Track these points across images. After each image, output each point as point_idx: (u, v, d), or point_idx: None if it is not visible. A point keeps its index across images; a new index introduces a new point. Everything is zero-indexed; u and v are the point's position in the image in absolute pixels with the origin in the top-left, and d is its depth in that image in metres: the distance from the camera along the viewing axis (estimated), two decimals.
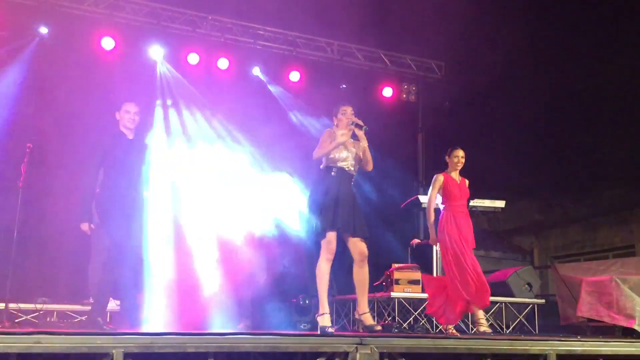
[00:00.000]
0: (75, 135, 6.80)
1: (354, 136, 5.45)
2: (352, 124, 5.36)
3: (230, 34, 8.72)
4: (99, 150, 5.28)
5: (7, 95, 7.20)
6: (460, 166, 6.04)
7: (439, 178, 6.01)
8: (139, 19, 8.06)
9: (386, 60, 9.59)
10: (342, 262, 5.46)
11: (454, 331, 5.92)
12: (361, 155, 5.40)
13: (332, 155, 5.38)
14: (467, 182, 6.12)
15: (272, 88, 9.08)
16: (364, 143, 5.36)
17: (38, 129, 6.73)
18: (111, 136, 5.37)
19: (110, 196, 5.20)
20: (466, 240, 5.86)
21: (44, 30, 7.62)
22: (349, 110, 5.50)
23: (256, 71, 8.98)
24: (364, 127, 5.35)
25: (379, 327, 5.16)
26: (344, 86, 9.42)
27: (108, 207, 5.18)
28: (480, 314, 5.80)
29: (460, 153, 6.04)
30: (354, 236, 5.24)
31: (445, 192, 6.00)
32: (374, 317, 5.41)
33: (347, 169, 5.38)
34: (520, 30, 7.86)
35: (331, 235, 5.21)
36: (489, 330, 5.73)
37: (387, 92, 9.72)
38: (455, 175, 6.06)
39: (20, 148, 6.13)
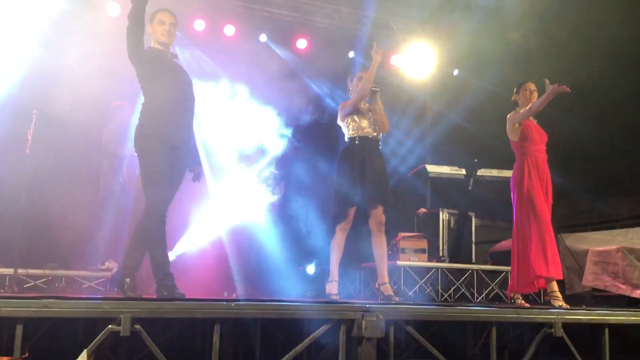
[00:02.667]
0: (83, 100, 6.77)
1: (370, 100, 5.51)
2: (373, 88, 5.42)
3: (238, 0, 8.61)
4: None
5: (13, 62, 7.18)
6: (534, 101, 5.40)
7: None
8: None
9: (394, 27, 9.47)
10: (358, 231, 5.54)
11: (523, 301, 5.39)
12: (376, 117, 5.45)
13: (353, 125, 5.44)
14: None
15: (280, 53, 8.99)
16: (380, 104, 5.42)
17: (45, 94, 6.70)
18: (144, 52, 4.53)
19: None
20: (549, 194, 5.34)
21: None
22: (364, 75, 5.53)
23: (263, 38, 8.89)
24: (379, 88, 5.42)
25: (397, 299, 5.23)
26: (352, 54, 9.33)
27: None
28: (554, 285, 5.14)
29: (533, 86, 5.49)
30: (374, 207, 5.31)
31: (522, 134, 5.41)
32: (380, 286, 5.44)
33: (370, 136, 5.46)
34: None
35: (350, 210, 5.30)
36: (565, 305, 4.83)
37: (395, 60, 9.62)
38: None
39: (26, 114, 6.12)
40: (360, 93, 5.41)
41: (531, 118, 5.47)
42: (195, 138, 4.80)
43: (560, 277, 5.27)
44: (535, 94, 5.47)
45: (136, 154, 4.44)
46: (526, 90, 5.51)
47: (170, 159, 4.35)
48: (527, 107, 5.35)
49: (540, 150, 5.44)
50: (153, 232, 4.24)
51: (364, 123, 5.48)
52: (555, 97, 5.14)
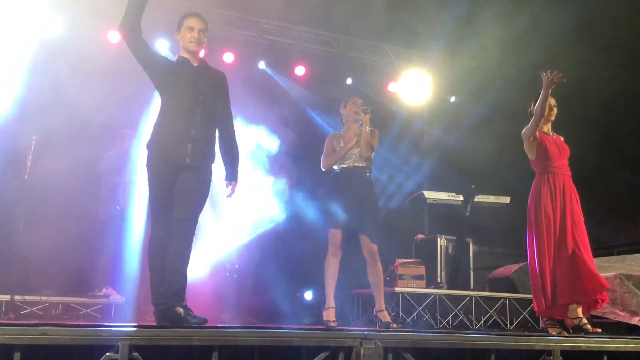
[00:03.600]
0: (82, 128, 6.81)
1: (357, 121, 5.50)
2: (360, 111, 5.42)
3: (236, 27, 8.70)
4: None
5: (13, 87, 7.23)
6: (553, 117, 5.20)
7: (535, 133, 5.04)
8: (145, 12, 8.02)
9: (391, 55, 9.58)
10: (355, 257, 5.51)
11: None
12: (361, 142, 5.41)
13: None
14: (562, 138, 5.28)
15: (278, 80, 9.07)
16: (367, 128, 5.38)
17: (44, 121, 6.73)
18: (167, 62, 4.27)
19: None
20: (574, 212, 5.02)
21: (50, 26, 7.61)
22: (359, 101, 5.55)
23: (262, 65, 8.97)
24: (369, 109, 5.40)
25: (394, 325, 5.19)
26: (350, 81, 9.42)
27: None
28: (579, 311, 4.93)
29: (552, 101, 5.14)
30: (362, 234, 5.27)
31: (540, 151, 5.12)
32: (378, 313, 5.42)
33: (351, 166, 5.41)
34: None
35: (334, 232, 5.27)
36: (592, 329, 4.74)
37: (393, 87, 9.71)
38: (548, 129, 5.23)
39: (25, 140, 6.15)
40: (340, 155, 5.40)
41: (550, 132, 5.23)
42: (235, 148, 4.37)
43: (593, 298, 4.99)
44: (555, 110, 5.20)
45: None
46: None
47: (169, 179, 4.02)
48: (533, 116, 5.08)
49: (561, 166, 5.13)
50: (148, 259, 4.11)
51: (344, 152, 5.45)
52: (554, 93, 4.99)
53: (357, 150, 5.41)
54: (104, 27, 7.87)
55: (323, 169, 5.51)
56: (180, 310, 3.79)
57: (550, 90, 4.94)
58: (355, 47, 9.42)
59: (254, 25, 8.79)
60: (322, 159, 5.48)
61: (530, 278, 5.20)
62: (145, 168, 4.09)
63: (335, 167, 5.44)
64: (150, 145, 4.09)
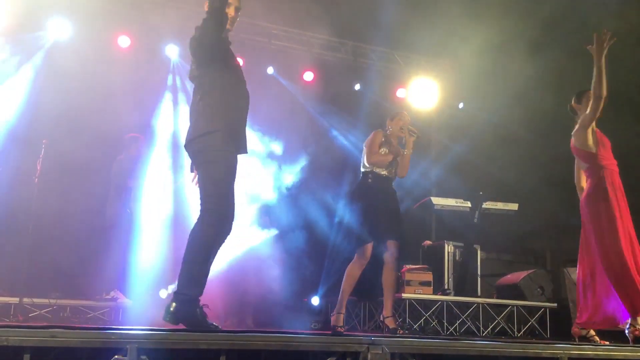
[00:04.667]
0: (92, 132, 6.85)
1: (401, 144, 5.60)
2: (408, 131, 5.52)
3: (245, 33, 8.74)
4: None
5: (23, 91, 7.29)
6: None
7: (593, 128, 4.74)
8: (154, 17, 8.09)
9: (400, 61, 9.59)
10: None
11: (596, 336, 4.84)
12: (400, 160, 5.53)
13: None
14: None
15: (287, 85, 9.11)
16: (409, 151, 5.50)
17: (54, 125, 6.78)
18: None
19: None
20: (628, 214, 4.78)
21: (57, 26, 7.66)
22: (407, 118, 5.66)
23: (270, 70, 9.00)
24: (416, 133, 5.52)
25: (401, 332, 5.23)
26: (358, 86, 9.44)
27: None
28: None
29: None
30: (390, 240, 5.35)
31: (601, 147, 4.88)
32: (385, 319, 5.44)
33: (383, 174, 5.51)
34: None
35: (368, 246, 5.34)
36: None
37: (401, 93, 9.71)
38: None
39: (36, 144, 6.19)
40: (384, 161, 5.51)
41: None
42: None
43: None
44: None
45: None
46: (590, 99, 4.91)
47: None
48: (592, 99, 4.75)
49: (613, 161, 4.94)
50: None
51: (385, 162, 5.55)
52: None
53: (394, 165, 5.53)
54: (114, 32, 7.92)
55: (366, 163, 5.56)
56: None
57: (604, 59, 4.61)
58: (363, 53, 9.44)
59: (263, 31, 8.83)
60: (368, 153, 5.55)
61: (613, 276, 4.72)
62: (216, 152, 3.86)
63: (368, 169, 5.52)
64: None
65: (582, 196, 5.03)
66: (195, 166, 4.03)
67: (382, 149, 5.54)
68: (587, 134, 4.89)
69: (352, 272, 5.40)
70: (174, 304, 3.72)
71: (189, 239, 3.84)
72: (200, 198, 3.91)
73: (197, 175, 4.08)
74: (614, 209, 4.76)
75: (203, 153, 3.90)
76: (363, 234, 5.38)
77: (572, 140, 5.03)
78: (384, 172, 5.55)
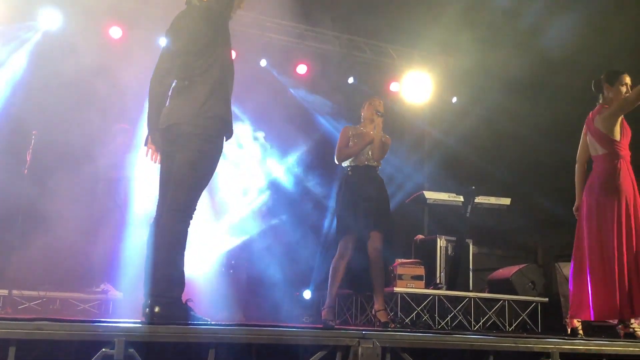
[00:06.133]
0: (81, 123, 6.80)
1: (373, 122, 5.56)
2: (375, 113, 5.48)
3: (237, 24, 8.67)
4: None
5: (12, 83, 7.23)
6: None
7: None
8: (146, 7, 8.02)
9: (394, 55, 9.56)
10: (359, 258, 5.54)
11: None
12: (375, 144, 5.49)
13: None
14: None
15: (280, 78, 9.06)
16: (379, 133, 5.45)
17: (44, 116, 6.72)
18: None
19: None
20: None
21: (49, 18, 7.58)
22: (376, 101, 5.63)
23: (263, 63, 8.95)
24: (381, 112, 5.46)
25: (393, 326, 5.22)
26: (352, 80, 9.40)
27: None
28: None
29: (629, 79, 4.79)
30: (370, 234, 5.32)
31: (624, 136, 4.80)
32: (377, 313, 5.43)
33: (364, 165, 5.47)
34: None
35: (347, 238, 5.32)
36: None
37: (395, 87, 9.69)
38: None
39: (25, 135, 6.14)
40: (357, 150, 5.45)
41: None
42: None
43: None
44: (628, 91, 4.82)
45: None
46: (623, 84, 4.82)
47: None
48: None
49: (629, 154, 4.86)
50: None
51: (353, 153, 5.50)
52: None
53: (370, 150, 5.47)
54: (106, 23, 7.84)
55: (336, 162, 5.57)
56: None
57: None
58: (357, 46, 9.39)
59: (256, 23, 8.77)
60: (336, 151, 5.53)
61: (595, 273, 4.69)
62: (211, 140, 3.64)
63: (346, 164, 5.49)
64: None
65: (588, 181, 4.89)
66: (176, 150, 3.63)
67: (352, 140, 5.52)
68: (617, 121, 4.79)
69: (336, 265, 5.40)
70: (157, 308, 3.47)
71: (156, 238, 3.58)
72: (171, 188, 3.59)
73: (158, 154, 3.80)
74: (622, 202, 4.67)
75: (191, 139, 3.58)
76: (342, 227, 5.37)
77: (596, 121, 4.89)
78: (364, 163, 5.50)
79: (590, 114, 5.03)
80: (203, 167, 3.64)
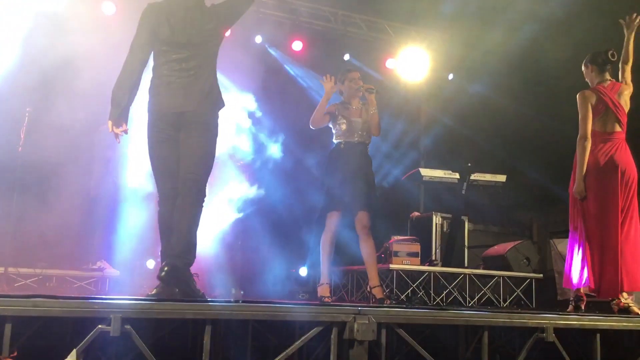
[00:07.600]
0: (76, 101, 6.74)
1: (363, 98, 5.49)
2: (361, 89, 5.40)
3: None
4: None
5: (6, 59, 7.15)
6: None
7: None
8: None
9: (390, 31, 9.49)
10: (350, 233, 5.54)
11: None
12: (367, 120, 5.43)
13: (338, 128, 5.42)
14: None
15: (275, 54, 9.00)
16: (373, 108, 5.38)
17: (38, 93, 6.66)
18: None
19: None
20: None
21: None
22: (356, 75, 5.51)
23: (258, 39, 8.87)
24: (374, 89, 5.38)
25: (388, 302, 5.23)
26: (348, 56, 9.34)
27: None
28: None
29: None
30: (357, 212, 5.29)
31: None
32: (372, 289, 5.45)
33: (355, 141, 5.42)
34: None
35: (332, 214, 5.31)
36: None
37: (391, 63, 9.63)
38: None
39: (19, 112, 6.09)
40: (319, 108, 5.45)
41: None
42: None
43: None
44: None
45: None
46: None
47: None
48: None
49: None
50: None
51: (351, 127, 5.44)
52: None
53: (364, 126, 5.42)
54: None
55: (311, 126, 5.51)
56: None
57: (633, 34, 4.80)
58: (353, 22, 9.31)
59: None
60: (312, 117, 5.49)
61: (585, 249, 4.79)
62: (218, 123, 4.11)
63: (339, 140, 5.43)
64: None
65: (603, 159, 4.82)
66: (188, 135, 3.99)
67: (340, 119, 5.45)
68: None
69: (324, 241, 5.41)
70: (173, 264, 3.76)
71: (185, 208, 3.91)
72: (189, 169, 3.95)
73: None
74: (618, 183, 4.71)
75: (208, 127, 4.01)
76: (329, 202, 5.36)
77: (622, 99, 4.88)
78: (355, 139, 5.44)
79: (607, 89, 4.90)
80: (210, 148, 4.05)
